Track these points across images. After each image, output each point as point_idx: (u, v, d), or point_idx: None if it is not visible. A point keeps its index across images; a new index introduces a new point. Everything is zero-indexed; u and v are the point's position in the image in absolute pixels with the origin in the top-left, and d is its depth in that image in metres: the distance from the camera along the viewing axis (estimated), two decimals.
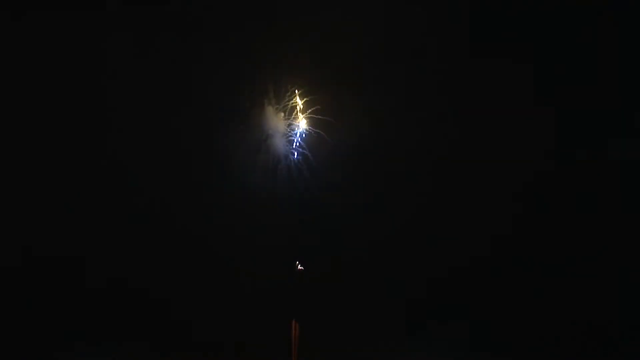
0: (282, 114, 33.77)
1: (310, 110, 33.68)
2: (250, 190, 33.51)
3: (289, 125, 33.88)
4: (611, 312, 31.69)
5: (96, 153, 33.48)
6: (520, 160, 32.76)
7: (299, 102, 33.64)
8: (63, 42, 33.13)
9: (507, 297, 32.33)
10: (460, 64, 33.44)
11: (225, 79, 33.56)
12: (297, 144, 33.64)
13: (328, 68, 33.46)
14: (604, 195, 32.56)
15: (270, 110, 33.44)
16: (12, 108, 33.09)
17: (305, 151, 33.69)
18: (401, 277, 32.98)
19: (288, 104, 33.76)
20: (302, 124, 33.80)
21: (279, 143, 33.61)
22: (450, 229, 32.97)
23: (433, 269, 32.80)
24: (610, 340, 31.30)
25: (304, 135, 33.72)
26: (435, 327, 32.36)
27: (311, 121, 33.74)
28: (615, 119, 32.68)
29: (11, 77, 33.01)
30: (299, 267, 32.95)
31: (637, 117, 32.80)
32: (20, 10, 33.11)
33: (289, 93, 33.82)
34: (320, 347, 32.10)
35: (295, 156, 33.47)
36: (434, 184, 33.36)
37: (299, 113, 33.72)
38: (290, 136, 33.74)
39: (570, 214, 32.51)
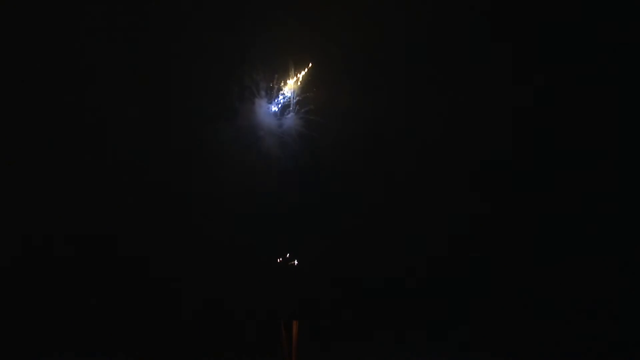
0: (273, 110, 33.99)
1: (301, 107, 33.96)
2: (242, 187, 33.74)
3: (280, 121, 34.08)
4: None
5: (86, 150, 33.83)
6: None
7: (291, 97, 33.85)
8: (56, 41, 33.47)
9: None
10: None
11: (215, 75, 33.68)
12: (290, 138, 33.87)
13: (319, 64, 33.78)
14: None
15: (261, 106, 33.61)
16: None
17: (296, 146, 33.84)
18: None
19: (279, 100, 33.98)
20: (293, 119, 33.99)
21: (269, 139, 33.76)
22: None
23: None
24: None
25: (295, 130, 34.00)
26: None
27: (303, 117, 34.05)
28: None
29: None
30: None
31: None
32: None
33: (280, 89, 34.04)
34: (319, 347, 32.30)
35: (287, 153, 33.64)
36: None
37: (291, 109, 33.95)
38: (282, 132, 33.93)
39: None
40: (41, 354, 30.96)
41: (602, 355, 30.74)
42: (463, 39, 33.57)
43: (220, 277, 32.77)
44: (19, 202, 33.00)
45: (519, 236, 32.71)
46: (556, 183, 33.07)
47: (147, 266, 32.86)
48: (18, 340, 31.30)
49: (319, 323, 32.38)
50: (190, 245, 33.33)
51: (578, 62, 33.04)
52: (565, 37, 33.36)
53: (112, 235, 33.10)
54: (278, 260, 32.75)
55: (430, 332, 32.03)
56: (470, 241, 32.99)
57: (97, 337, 31.79)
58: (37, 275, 32.75)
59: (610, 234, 32.30)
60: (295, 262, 33.19)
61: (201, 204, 33.21)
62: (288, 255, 33.06)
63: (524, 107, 33.30)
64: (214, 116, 33.23)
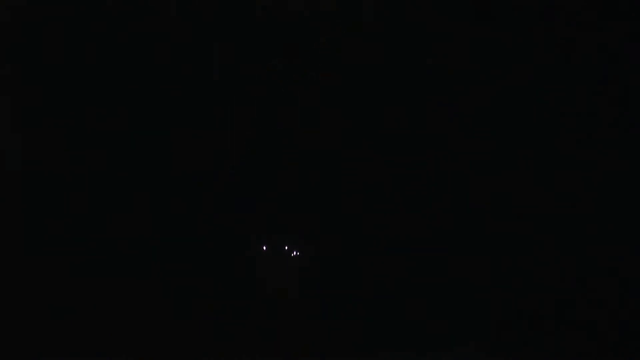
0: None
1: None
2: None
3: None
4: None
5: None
6: None
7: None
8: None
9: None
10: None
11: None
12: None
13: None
14: None
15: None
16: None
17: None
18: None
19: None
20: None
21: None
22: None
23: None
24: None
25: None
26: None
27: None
28: None
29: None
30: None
31: None
32: None
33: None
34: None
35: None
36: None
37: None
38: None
39: None
40: (41, 354, 31.02)
41: (602, 355, 30.45)
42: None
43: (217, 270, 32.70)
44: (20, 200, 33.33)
45: (518, 236, 32.63)
46: (555, 182, 32.86)
47: (146, 265, 32.85)
48: (18, 340, 31.42)
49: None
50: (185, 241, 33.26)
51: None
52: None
53: (108, 234, 33.13)
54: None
55: (429, 331, 31.87)
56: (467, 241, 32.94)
57: (97, 337, 31.86)
58: (37, 275, 32.92)
59: (610, 234, 32.02)
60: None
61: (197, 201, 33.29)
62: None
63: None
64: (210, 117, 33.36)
